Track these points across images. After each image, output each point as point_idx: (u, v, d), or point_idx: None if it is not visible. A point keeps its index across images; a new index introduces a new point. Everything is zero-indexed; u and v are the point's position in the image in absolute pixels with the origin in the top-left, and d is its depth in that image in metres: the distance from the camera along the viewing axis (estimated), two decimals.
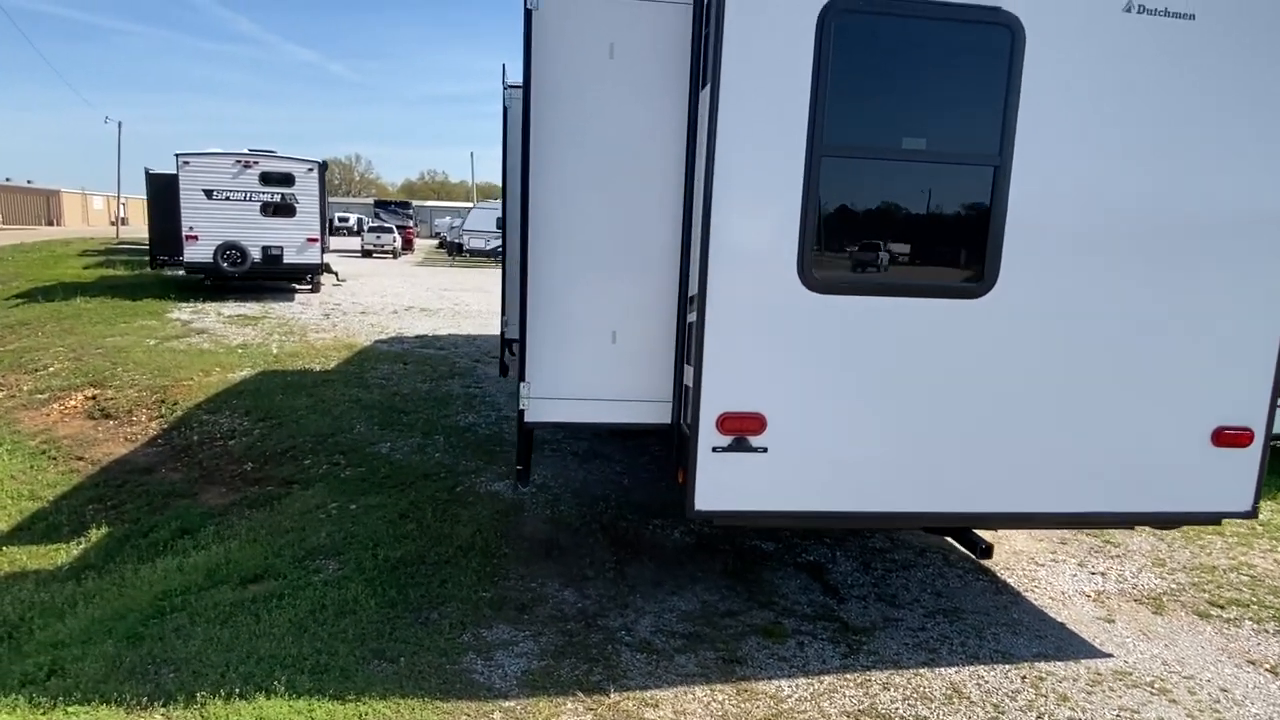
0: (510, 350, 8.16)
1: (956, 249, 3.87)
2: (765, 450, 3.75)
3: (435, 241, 61.55)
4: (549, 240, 3.87)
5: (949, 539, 4.66)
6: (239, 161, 17.16)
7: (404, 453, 7.25)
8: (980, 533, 4.21)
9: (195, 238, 16.97)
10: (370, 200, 67.60)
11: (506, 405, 9.16)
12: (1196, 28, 3.70)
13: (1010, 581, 5.10)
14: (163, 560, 5.47)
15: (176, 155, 16.68)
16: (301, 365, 11.08)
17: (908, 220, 3.84)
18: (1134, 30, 3.68)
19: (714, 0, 3.56)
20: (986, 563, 5.29)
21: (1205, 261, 3.89)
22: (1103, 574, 5.31)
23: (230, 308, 16.32)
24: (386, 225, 42.42)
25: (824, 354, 3.75)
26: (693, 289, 3.88)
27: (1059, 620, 4.59)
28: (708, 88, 3.68)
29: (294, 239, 17.83)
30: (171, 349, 11.74)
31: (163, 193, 18.05)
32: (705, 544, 5.41)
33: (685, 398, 3.99)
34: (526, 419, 3.94)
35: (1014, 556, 5.44)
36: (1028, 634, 4.40)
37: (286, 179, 17.55)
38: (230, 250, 17.20)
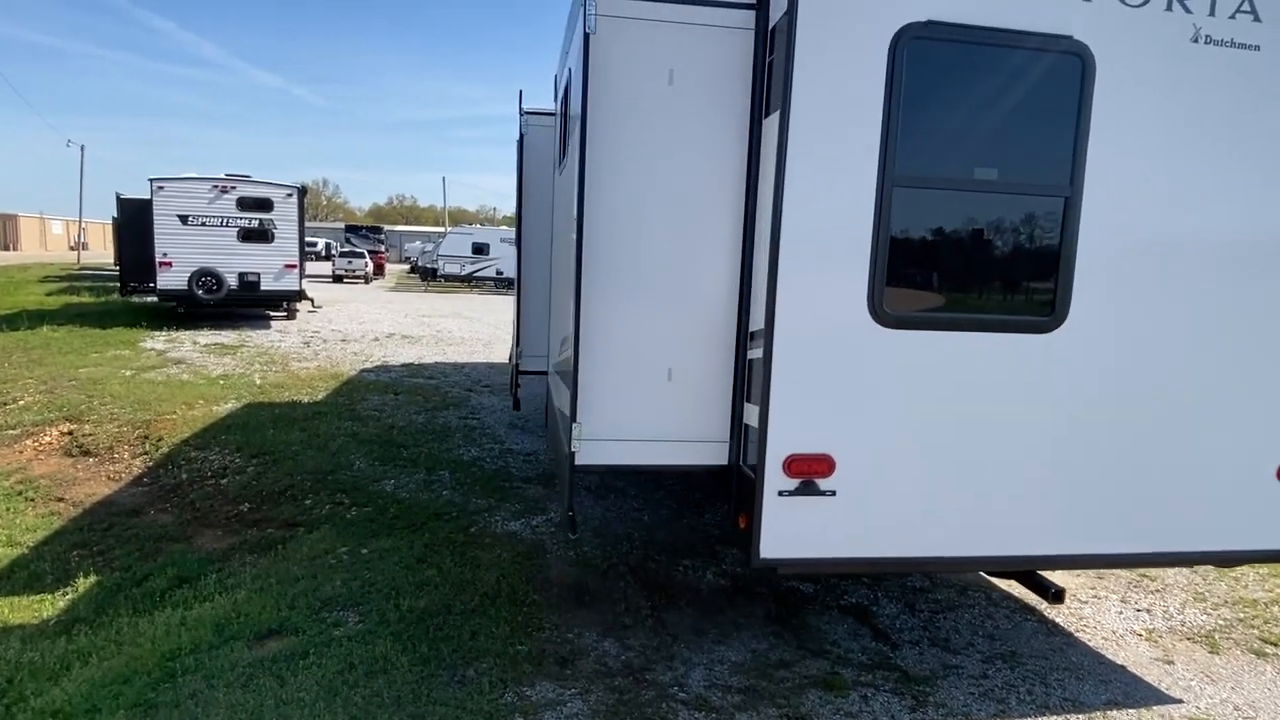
0: (520, 383, 7.94)
1: (1027, 282, 3.74)
2: (834, 494, 3.56)
3: (406, 266, 61.02)
4: (604, 273, 3.66)
5: (1015, 583, 4.49)
6: (216, 186, 16.75)
7: (410, 490, 6.93)
8: (1048, 575, 4.05)
9: (169, 264, 16.47)
10: (338, 224, 66.89)
11: (508, 437, 8.89)
12: (1262, 58, 3.65)
13: (1059, 621, 4.95)
14: (162, 613, 5.09)
15: (151, 180, 16.22)
16: (288, 396, 10.68)
17: (979, 253, 3.70)
18: (1201, 60, 3.61)
19: (782, 26, 3.42)
20: (1032, 602, 5.14)
21: (1271, 293, 3.81)
22: (1148, 611, 5.19)
23: (206, 336, 15.81)
24: (358, 250, 41.93)
25: (894, 391, 3.58)
26: (754, 324, 3.70)
27: (1119, 663, 4.44)
28: (772, 116, 3.53)
29: (272, 265, 17.41)
30: (150, 380, 11.27)
31: (134, 218, 17.56)
32: (741, 587, 5.18)
33: (746, 438, 3.79)
34: (578, 462, 3.71)
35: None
36: (1092, 679, 4.23)
37: (265, 204, 17.16)
38: (206, 277, 16.73)
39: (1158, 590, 5.51)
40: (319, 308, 22.55)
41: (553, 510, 6.48)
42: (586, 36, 3.46)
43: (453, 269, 37.26)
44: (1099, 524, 3.85)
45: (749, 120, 3.67)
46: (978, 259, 3.71)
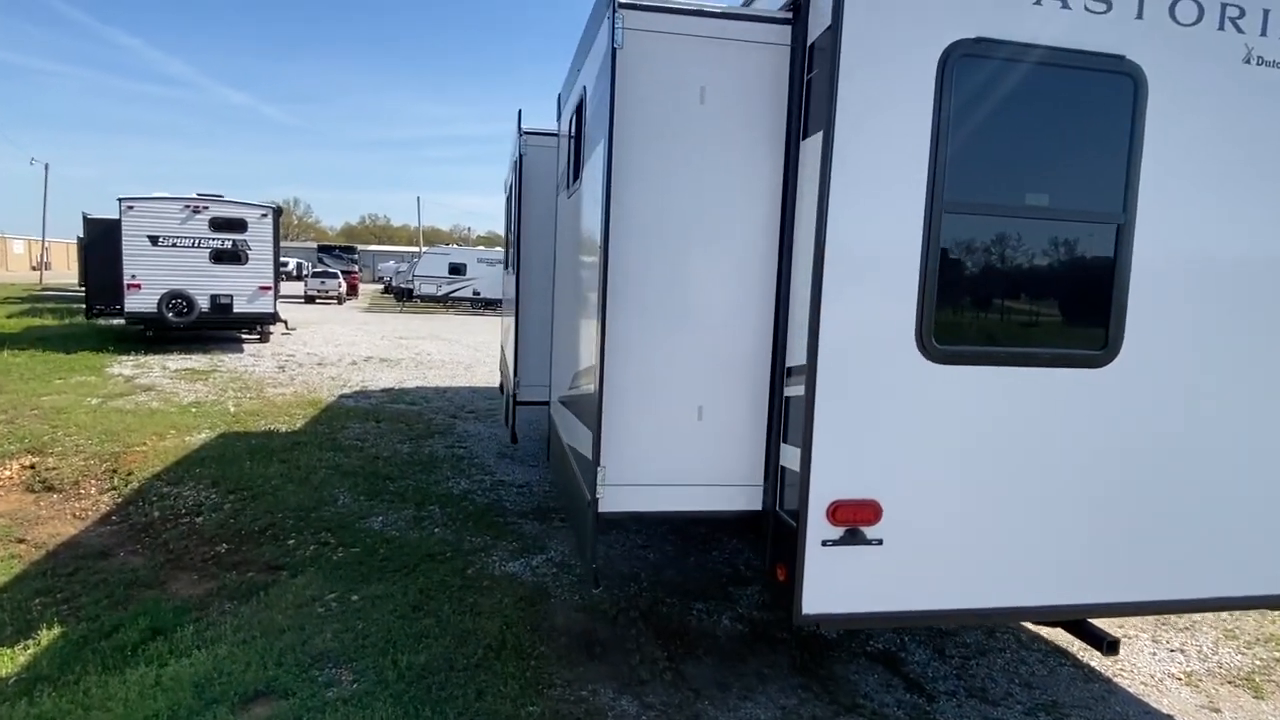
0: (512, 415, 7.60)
1: (1079, 314, 3.53)
2: (881, 543, 3.30)
3: (380, 286, 60.26)
4: (632, 304, 3.39)
5: (1055, 629, 4.25)
6: (188, 206, 16.26)
7: (399, 528, 6.56)
8: (1097, 623, 3.81)
9: (138, 286, 15.91)
10: (309, 244, 66.00)
11: (498, 468, 8.54)
12: None
13: (1094, 665, 4.72)
14: (135, 670, 4.67)
15: (120, 199, 15.70)
16: (265, 425, 10.24)
17: (1029, 283, 3.49)
18: (1254, 81, 3.45)
19: (824, 42, 3.20)
20: (1062, 643, 4.91)
21: None
22: (1181, 651, 4.98)
23: (175, 360, 15.26)
24: (331, 270, 41.29)
25: (943, 431, 3.34)
26: (791, 359, 3.44)
27: (1166, 713, 4.21)
28: (813, 138, 3.30)
29: (245, 287, 16.91)
30: (118, 409, 10.75)
31: (101, 238, 16.97)
32: (761, 633, 4.89)
33: (783, 481, 3.52)
34: (602, 509, 3.41)
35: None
36: None
37: (238, 225, 16.69)
38: (176, 299, 16.19)
39: (1186, 628, 5.31)
40: (293, 330, 22.01)
41: (553, 549, 6.15)
42: (614, 51, 3.21)
43: (429, 289, 36.80)
44: (1155, 569, 3.62)
45: (784, 142, 3.44)
46: (1026, 289, 3.49)
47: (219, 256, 16.54)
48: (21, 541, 6.92)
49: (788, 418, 3.46)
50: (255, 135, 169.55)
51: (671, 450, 3.51)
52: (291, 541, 6.34)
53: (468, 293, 36.94)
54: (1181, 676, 4.64)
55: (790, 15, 3.39)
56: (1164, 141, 3.39)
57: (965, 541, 3.40)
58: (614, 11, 3.25)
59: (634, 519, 3.71)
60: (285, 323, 20.43)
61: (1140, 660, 4.82)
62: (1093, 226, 3.42)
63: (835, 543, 3.27)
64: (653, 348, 3.44)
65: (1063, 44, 3.25)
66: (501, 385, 9.43)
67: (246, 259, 16.77)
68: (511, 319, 6.99)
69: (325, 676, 4.24)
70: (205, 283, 16.42)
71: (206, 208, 16.39)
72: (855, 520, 3.27)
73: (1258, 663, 4.86)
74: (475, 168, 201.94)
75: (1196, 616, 5.47)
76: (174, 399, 11.68)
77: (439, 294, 36.89)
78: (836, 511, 3.25)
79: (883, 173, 3.16)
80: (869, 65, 3.09)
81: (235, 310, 16.89)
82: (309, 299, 37.54)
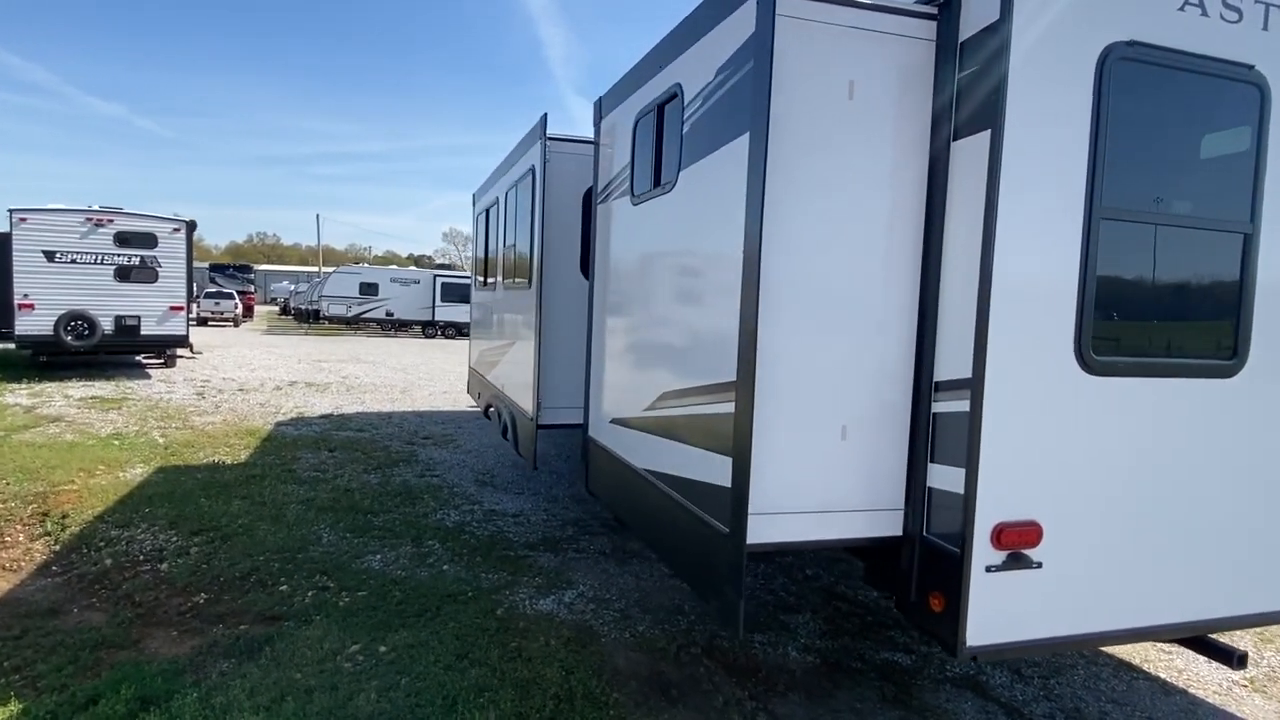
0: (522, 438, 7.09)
1: (1214, 323, 3.49)
2: (1040, 565, 3.13)
3: (276, 308, 57.19)
4: (786, 320, 3.12)
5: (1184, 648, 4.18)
6: (89, 220, 14.83)
7: (403, 567, 5.99)
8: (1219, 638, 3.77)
9: (31, 306, 14.36)
10: (199, 264, 62.08)
11: (484, 497, 8.02)
12: None
13: (1162, 676, 4.71)
14: None
15: (11, 211, 14.15)
16: (206, 458, 9.30)
17: (1169, 291, 3.42)
18: None
19: (982, 40, 3.04)
20: (1124, 656, 4.90)
21: None
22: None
23: (77, 388, 13.80)
24: (225, 290, 38.90)
25: (1098, 445, 3.21)
26: (941, 373, 3.24)
27: None
28: (968, 139, 3.13)
29: (155, 307, 15.54)
30: (28, 443, 9.54)
31: None
32: (834, 664, 4.66)
33: (929, 504, 3.30)
34: (751, 542, 3.09)
35: (1131, 647, 5.08)
36: None
37: (148, 239, 15.34)
38: (76, 320, 14.69)
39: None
40: (198, 354, 20.46)
41: (580, 583, 5.73)
42: (767, 27, 2.93)
43: (338, 310, 35.13)
44: (1269, 579, 3.61)
45: (929, 142, 3.26)
46: (1167, 298, 3.43)
47: (125, 274, 15.13)
48: None
49: (935, 435, 3.26)
50: (128, 149, 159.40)
51: (816, 474, 3.24)
52: (284, 587, 5.66)
53: (380, 314, 35.49)
54: (1246, 683, 4.70)
55: (935, 11, 3.23)
56: None
57: (1117, 560, 3.29)
58: None
59: (780, 551, 3.40)
60: (191, 346, 18.95)
61: (1201, 669, 4.85)
62: (1226, 235, 3.40)
63: (998, 568, 3.08)
64: (803, 363, 3.17)
65: (1203, 52, 3.22)
66: (493, 410, 8.85)
67: (156, 277, 15.42)
68: (525, 340, 6.50)
69: None
70: (109, 302, 14.97)
71: (111, 220, 14.98)
72: (1019, 543, 3.09)
73: None
74: (372, 186, 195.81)
75: None
76: (90, 430, 10.49)
77: (349, 315, 35.27)
78: (1002, 535, 3.06)
79: (1047, 178, 3.03)
80: (1034, 66, 2.97)
81: (143, 332, 15.47)
82: (201, 321, 35.12)
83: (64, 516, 7.11)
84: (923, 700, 4.28)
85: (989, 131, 2.95)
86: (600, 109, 5.25)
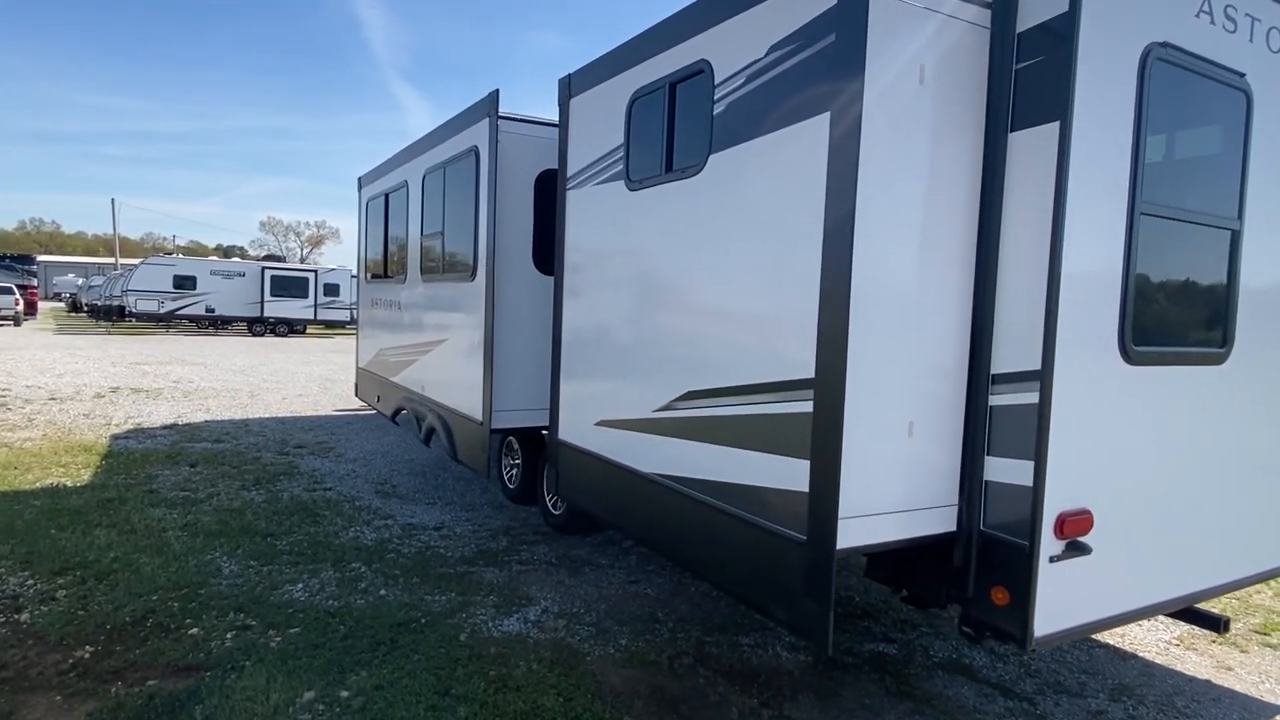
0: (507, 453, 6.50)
1: (1210, 315, 3.71)
2: (1090, 551, 3.20)
3: (61, 304, 50.43)
4: (862, 313, 2.94)
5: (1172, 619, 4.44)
6: None
7: (334, 595, 5.32)
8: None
9: None
10: None
11: (391, 509, 7.35)
12: None
13: (1113, 643, 5.05)
14: None
15: None
16: (37, 481, 7.90)
17: (1182, 284, 3.60)
18: None
19: (1044, 32, 3.03)
20: (1112, 641, 5.18)
21: None
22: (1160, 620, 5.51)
23: None
24: (5, 285, 33.87)
25: (1137, 433, 3.35)
26: (999, 365, 3.22)
27: (1191, 673, 4.60)
28: (1024, 133, 3.12)
29: None
30: None
31: None
32: (827, 660, 4.61)
33: (986, 497, 3.27)
34: (842, 546, 2.90)
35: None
36: (1207, 701, 4.32)
37: None
38: None
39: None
40: None
41: (540, 598, 5.34)
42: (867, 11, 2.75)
43: (148, 306, 31.45)
44: (1244, 548, 3.94)
45: (984, 131, 3.21)
46: (1183, 290, 3.61)
47: None
48: None
49: (992, 428, 3.23)
50: None
51: (885, 474, 3.12)
52: (195, 631, 4.84)
53: (198, 310, 32.16)
54: (1178, 643, 5.13)
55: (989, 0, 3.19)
56: (1266, 155, 3.68)
57: (1151, 539, 3.46)
58: None
59: (861, 554, 3.20)
60: None
61: (1137, 634, 5.25)
62: (1210, 230, 3.62)
63: (1059, 557, 3.11)
64: (878, 358, 3.03)
65: (1212, 57, 3.40)
66: (405, 414, 8.11)
67: None
68: (464, 339, 5.89)
69: None
70: None
71: None
72: (1076, 531, 3.14)
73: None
74: (171, 169, 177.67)
75: None
76: None
77: (161, 311, 31.69)
78: (1064, 525, 3.09)
79: (1102, 171, 3.08)
80: (1096, 59, 3.00)
81: None
82: None
83: None
84: (924, 689, 4.32)
85: (1057, 124, 2.95)
86: (569, 87, 4.84)
